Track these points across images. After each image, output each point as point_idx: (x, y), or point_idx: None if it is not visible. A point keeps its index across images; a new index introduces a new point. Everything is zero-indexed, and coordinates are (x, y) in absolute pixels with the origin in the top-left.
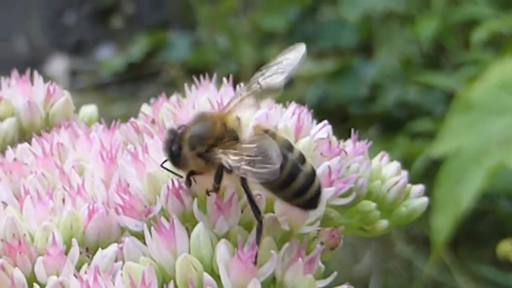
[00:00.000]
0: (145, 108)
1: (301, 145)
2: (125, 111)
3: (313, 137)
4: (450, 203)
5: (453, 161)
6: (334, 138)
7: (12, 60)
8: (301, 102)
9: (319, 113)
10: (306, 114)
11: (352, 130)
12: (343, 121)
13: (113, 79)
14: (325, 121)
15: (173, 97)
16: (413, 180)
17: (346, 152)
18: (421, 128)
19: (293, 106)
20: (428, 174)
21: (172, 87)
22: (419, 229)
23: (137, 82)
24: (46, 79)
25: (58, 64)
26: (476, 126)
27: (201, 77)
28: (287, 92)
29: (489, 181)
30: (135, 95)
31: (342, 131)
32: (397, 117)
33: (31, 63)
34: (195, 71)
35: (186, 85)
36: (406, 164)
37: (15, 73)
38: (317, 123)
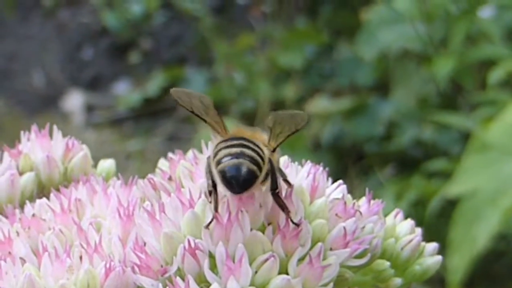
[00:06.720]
0: (162, 163)
1: (316, 206)
2: (141, 146)
3: (328, 197)
4: (466, 243)
5: (469, 201)
6: (349, 197)
7: (29, 94)
8: (316, 140)
9: (335, 152)
10: (321, 174)
11: (367, 189)
12: (358, 159)
13: (129, 114)
14: (340, 181)
15: (190, 153)
16: (428, 220)
17: (361, 213)
18: (437, 168)
19: (308, 165)
20: (443, 214)
21: (188, 123)
22: None
23: (154, 117)
24: (62, 114)
25: (75, 99)
26: (492, 167)
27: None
28: (303, 131)
29: (505, 222)
30: (151, 131)
31: (357, 169)
32: (413, 156)
33: (48, 97)
34: None
35: (202, 141)
36: (421, 203)
37: (34, 127)
38: (333, 161)
